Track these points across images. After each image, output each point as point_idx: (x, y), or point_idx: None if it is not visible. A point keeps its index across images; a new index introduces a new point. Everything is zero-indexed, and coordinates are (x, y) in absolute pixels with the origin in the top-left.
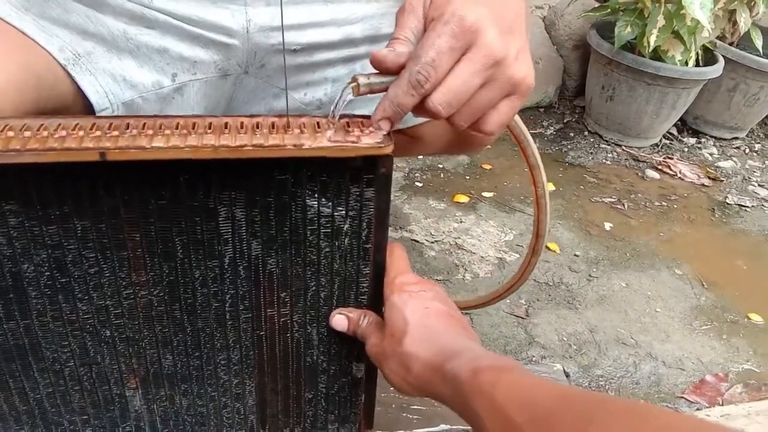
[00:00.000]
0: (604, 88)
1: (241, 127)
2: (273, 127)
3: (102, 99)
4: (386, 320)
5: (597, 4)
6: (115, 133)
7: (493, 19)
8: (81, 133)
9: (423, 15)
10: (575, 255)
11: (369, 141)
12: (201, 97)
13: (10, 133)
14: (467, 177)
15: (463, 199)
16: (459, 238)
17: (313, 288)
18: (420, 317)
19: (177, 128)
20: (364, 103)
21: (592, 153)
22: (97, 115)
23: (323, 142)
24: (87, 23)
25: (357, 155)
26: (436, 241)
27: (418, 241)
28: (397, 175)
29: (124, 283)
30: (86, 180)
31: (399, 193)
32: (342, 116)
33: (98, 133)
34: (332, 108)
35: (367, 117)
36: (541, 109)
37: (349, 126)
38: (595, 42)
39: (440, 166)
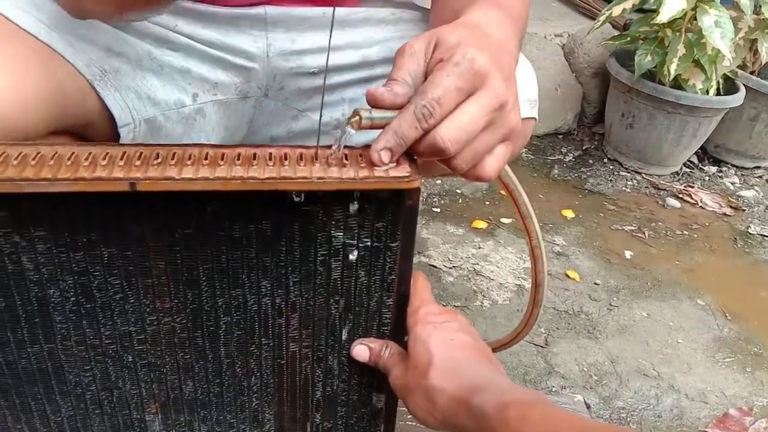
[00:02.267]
0: (623, 115)
1: (269, 159)
2: (301, 159)
3: (125, 114)
4: (410, 352)
5: (616, 33)
6: (145, 162)
7: (498, 66)
8: (111, 162)
9: (424, 60)
10: (595, 283)
11: (397, 174)
12: (221, 117)
13: (41, 161)
14: (486, 203)
15: (481, 224)
16: (477, 264)
17: (336, 318)
18: (445, 349)
19: (206, 159)
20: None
21: (611, 180)
22: (120, 127)
23: (350, 174)
24: (113, 42)
25: (384, 188)
26: (454, 266)
27: (436, 267)
28: None
29: (147, 310)
30: (115, 208)
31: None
32: (348, 147)
33: (128, 162)
34: (335, 142)
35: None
36: (560, 136)
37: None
38: (614, 70)
39: (458, 191)
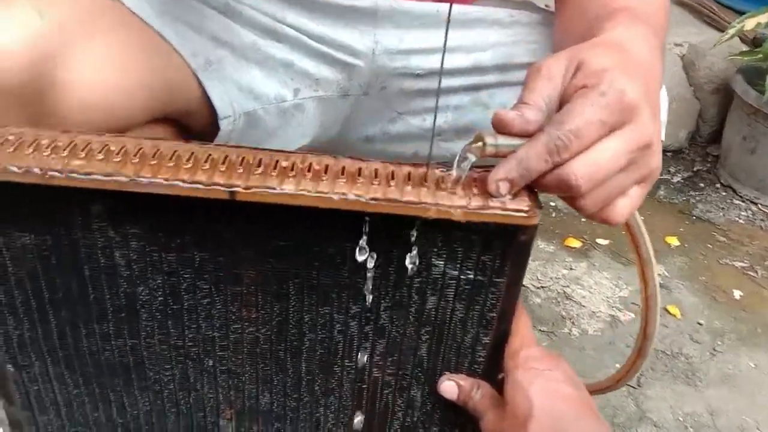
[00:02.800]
0: (745, 139)
1: (375, 176)
2: (408, 179)
3: (226, 107)
4: (507, 398)
5: (746, 48)
6: (247, 170)
7: (648, 98)
8: (212, 167)
9: (561, 84)
10: (698, 323)
11: (515, 207)
12: (319, 114)
13: (143, 159)
14: (582, 219)
15: (575, 243)
16: (568, 286)
17: (425, 350)
18: (548, 401)
19: (309, 170)
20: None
21: (723, 208)
22: (220, 119)
23: (462, 202)
24: (220, 31)
25: (498, 222)
26: (542, 287)
27: (523, 285)
28: None
29: (233, 318)
30: (211, 213)
31: None
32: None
33: (230, 168)
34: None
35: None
36: (669, 154)
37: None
38: (740, 88)
39: (552, 204)
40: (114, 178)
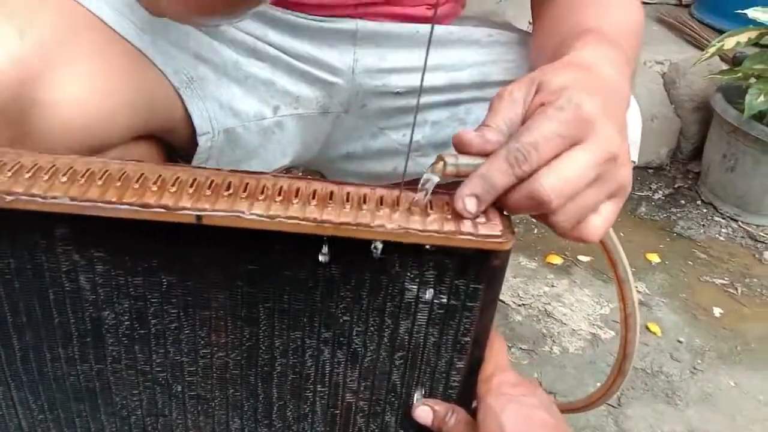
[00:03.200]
0: (725, 157)
1: (347, 200)
2: (381, 203)
3: (205, 124)
4: (480, 425)
5: (725, 66)
6: (215, 192)
7: (608, 114)
8: (180, 189)
9: (523, 107)
10: (678, 341)
11: (487, 232)
12: (300, 131)
13: (108, 181)
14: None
15: (556, 260)
16: (549, 304)
17: (398, 375)
18: (521, 427)
19: (279, 194)
20: None
21: (704, 225)
22: (199, 135)
23: (434, 227)
24: (202, 49)
25: (470, 246)
26: (523, 304)
27: (504, 302)
28: None
29: (202, 342)
30: (179, 238)
31: None
32: (435, 193)
33: (197, 190)
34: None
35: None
36: (650, 171)
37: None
38: (720, 107)
39: (534, 220)
40: (77, 202)
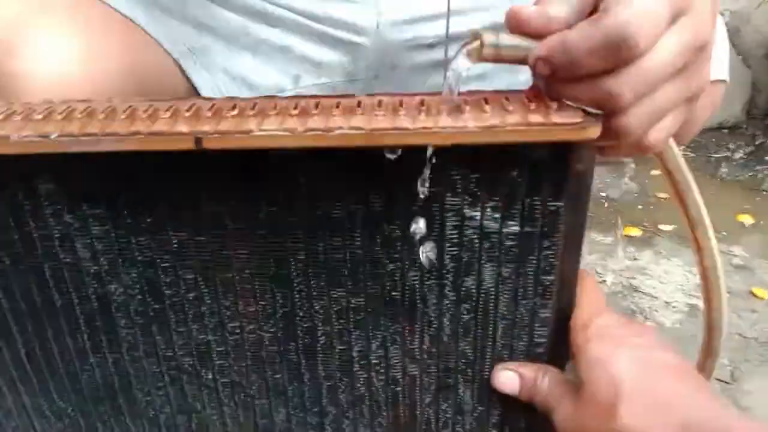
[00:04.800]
0: None
1: (379, 106)
2: (422, 105)
3: (217, 95)
4: (584, 381)
5: None
6: (217, 115)
7: None
8: (174, 114)
9: None
10: None
11: (563, 120)
12: None
13: (91, 116)
14: (638, 206)
15: (635, 232)
16: (634, 278)
17: (471, 333)
18: (640, 375)
19: (295, 108)
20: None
21: None
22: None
23: (494, 120)
24: (204, 16)
25: (544, 140)
26: (604, 281)
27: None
28: None
29: (228, 314)
30: (183, 177)
31: None
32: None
33: (195, 114)
34: (445, 82)
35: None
36: (725, 130)
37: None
38: None
39: (603, 194)
40: (57, 138)
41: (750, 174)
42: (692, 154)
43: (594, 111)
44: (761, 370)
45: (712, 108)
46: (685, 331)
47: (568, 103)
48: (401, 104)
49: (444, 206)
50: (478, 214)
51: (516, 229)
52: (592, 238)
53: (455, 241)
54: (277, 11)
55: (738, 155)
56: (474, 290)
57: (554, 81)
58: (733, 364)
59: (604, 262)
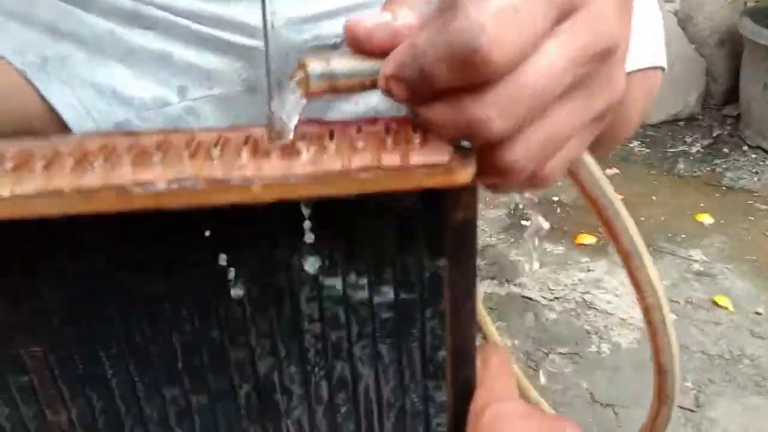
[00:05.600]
0: (766, 87)
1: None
2: (245, 144)
3: (81, 117)
4: None
5: None
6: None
7: None
8: None
9: None
10: (756, 313)
11: (421, 160)
12: (223, 118)
13: None
14: (592, 211)
15: (588, 239)
16: (587, 292)
17: (353, 430)
18: None
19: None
20: None
21: (756, 172)
22: (74, 131)
23: (338, 164)
24: (60, 20)
25: (409, 189)
26: (556, 298)
27: (531, 299)
28: (499, 213)
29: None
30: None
31: (503, 236)
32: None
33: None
34: (272, 113)
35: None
36: (681, 123)
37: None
38: (749, 31)
39: (555, 198)
40: None
41: (708, 169)
42: (647, 150)
43: (466, 145)
44: (727, 392)
45: (646, 100)
46: (643, 353)
47: (435, 135)
48: (222, 144)
49: (291, 276)
50: (338, 282)
51: (390, 296)
52: (544, 248)
53: (317, 317)
54: (152, 11)
55: (695, 149)
56: (348, 376)
57: (414, 104)
58: (697, 387)
59: (556, 275)
